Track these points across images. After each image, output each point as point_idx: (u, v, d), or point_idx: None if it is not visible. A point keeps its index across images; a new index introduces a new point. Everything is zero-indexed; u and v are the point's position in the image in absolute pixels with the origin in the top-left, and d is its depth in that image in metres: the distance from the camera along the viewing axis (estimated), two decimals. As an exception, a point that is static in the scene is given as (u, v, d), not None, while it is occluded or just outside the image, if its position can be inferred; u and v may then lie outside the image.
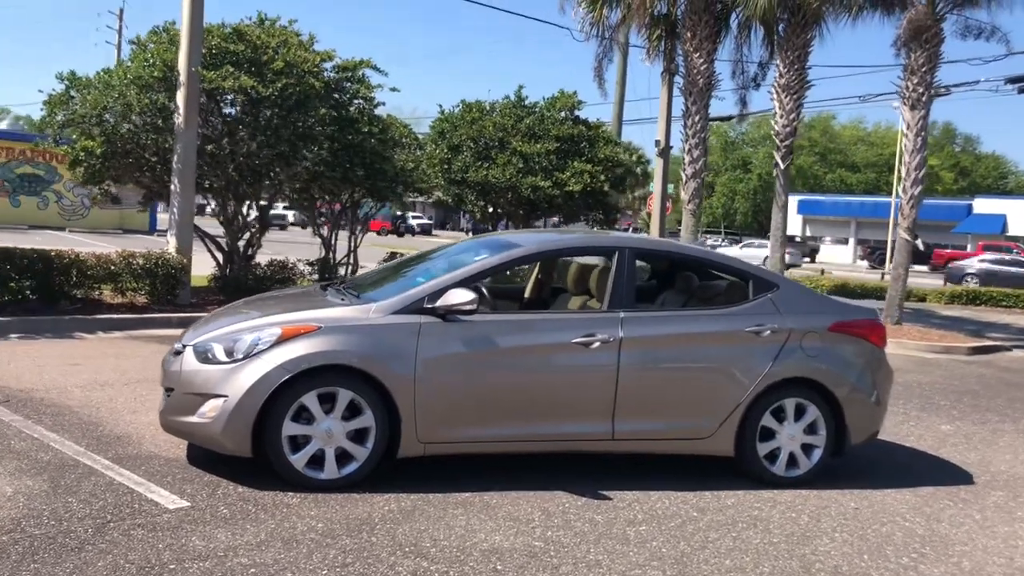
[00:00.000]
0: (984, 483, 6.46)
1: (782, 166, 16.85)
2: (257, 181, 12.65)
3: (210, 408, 5.07)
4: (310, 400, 5.10)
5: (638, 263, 6.36)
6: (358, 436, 5.22)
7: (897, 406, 8.82)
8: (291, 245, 24.96)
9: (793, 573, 4.48)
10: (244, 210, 13.25)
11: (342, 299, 5.68)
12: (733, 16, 17.83)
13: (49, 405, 6.64)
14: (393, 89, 13.70)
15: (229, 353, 5.16)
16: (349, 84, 13.30)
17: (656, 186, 20.00)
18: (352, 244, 14.35)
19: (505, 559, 4.34)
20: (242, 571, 3.96)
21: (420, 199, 17.88)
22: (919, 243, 34.07)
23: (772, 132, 17.16)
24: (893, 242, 23.73)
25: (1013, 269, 33.71)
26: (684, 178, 18.00)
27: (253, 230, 13.56)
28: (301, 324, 5.23)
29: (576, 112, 17.07)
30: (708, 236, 67.57)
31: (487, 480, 5.52)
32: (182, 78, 11.67)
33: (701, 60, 17.26)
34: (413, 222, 57.92)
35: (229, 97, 12.16)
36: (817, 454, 6.03)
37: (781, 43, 17.19)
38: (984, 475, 6.67)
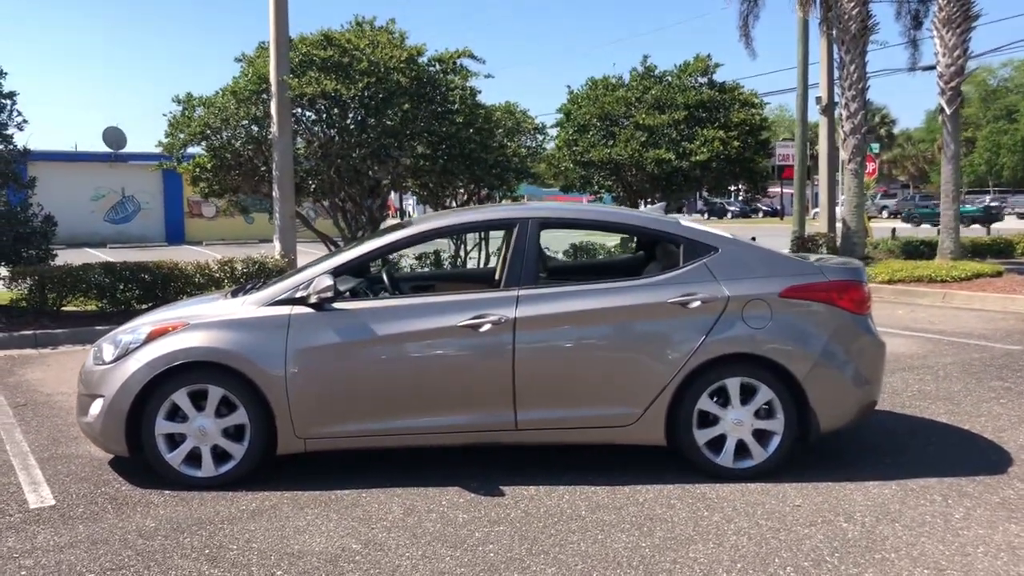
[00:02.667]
0: (1017, 474, 5.22)
1: (948, 111, 14.80)
2: (357, 181, 12.90)
3: (94, 408, 5.15)
4: (181, 398, 5.04)
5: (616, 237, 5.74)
6: (236, 433, 5.10)
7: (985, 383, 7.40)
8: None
9: (619, 585, 3.81)
10: (353, 209, 13.57)
11: (227, 294, 5.58)
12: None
13: (56, 409, 7.09)
14: (488, 76, 13.48)
15: (111, 353, 5.21)
16: (444, 76, 13.24)
17: (821, 147, 18.26)
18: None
19: (299, 564, 4.03)
20: (14, 573, 3.95)
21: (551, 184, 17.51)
22: None
23: (936, 73, 15.11)
24: None
25: None
26: (843, 135, 16.34)
27: (368, 229, 13.87)
28: (169, 322, 5.19)
29: (711, 76, 15.96)
30: (974, 195, 60.63)
31: (385, 476, 5.20)
32: (273, 88, 12.15)
33: (851, 2, 15.56)
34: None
35: (321, 103, 12.48)
36: (775, 442, 5.15)
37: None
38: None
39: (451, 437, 5.16)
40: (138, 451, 5.11)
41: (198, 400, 5.06)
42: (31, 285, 10.83)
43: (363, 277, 5.99)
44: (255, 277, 11.68)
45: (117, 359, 5.13)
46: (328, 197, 13.44)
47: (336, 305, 5.09)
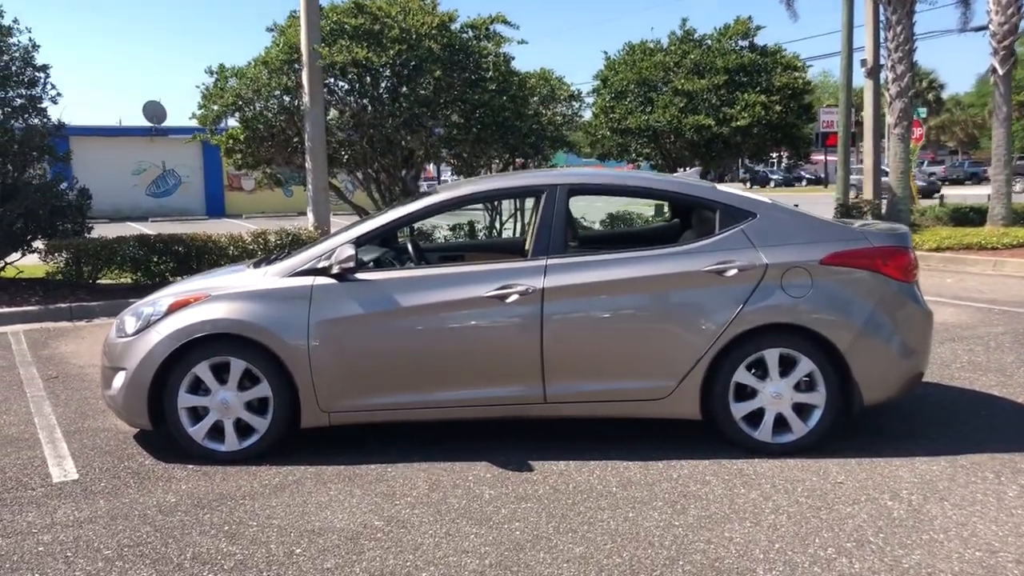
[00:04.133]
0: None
1: (1000, 71, 14.24)
2: (389, 151, 12.75)
3: (117, 381, 5.08)
4: (203, 371, 4.94)
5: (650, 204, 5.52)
6: (259, 406, 5.00)
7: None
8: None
9: (650, 565, 3.64)
10: (387, 180, 13.42)
11: (250, 265, 5.46)
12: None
13: (87, 382, 7.07)
14: (521, 42, 13.20)
15: (132, 325, 5.13)
16: (477, 42, 13.00)
17: (866, 111, 17.72)
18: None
19: (319, 541, 3.91)
20: (32, 549, 3.89)
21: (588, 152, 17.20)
22: None
23: (988, 32, 14.52)
24: None
25: None
26: (889, 99, 15.82)
27: (399, 198, 13.71)
28: (191, 294, 5.08)
29: (752, 39, 15.51)
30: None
31: (412, 450, 5.08)
32: (304, 57, 12.00)
33: (899, -40, 14.99)
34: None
35: (352, 71, 12.31)
36: (816, 415, 4.93)
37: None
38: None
39: (478, 410, 5.01)
40: (161, 424, 5.04)
41: (220, 373, 4.96)
42: (67, 258, 10.86)
43: (388, 247, 5.85)
44: (287, 248, 11.60)
45: (139, 331, 5.04)
46: (361, 168, 13.32)
47: (359, 276, 4.94)
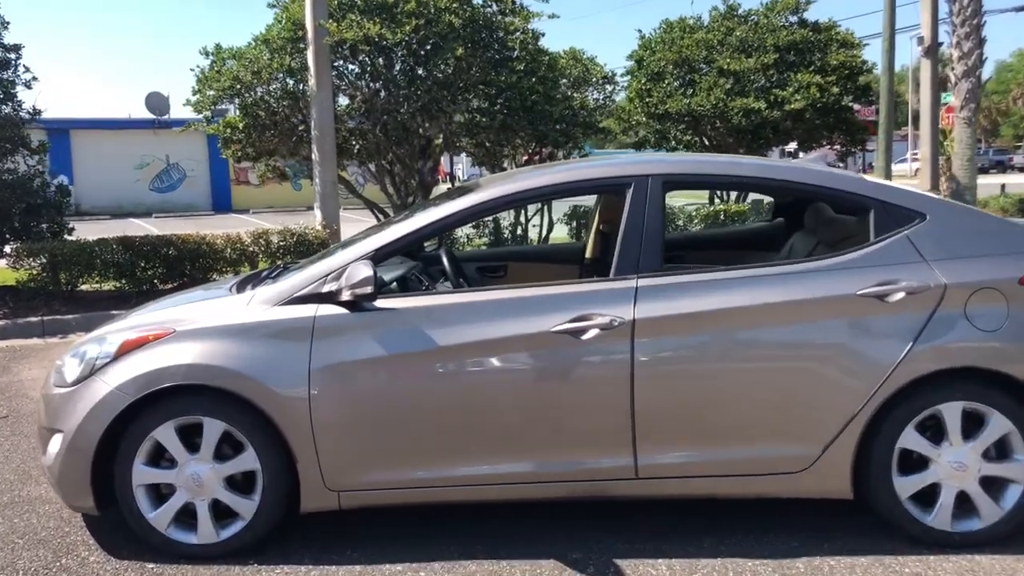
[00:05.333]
0: None
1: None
2: (405, 140, 11.38)
3: (52, 446, 3.74)
4: (166, 435, 3.60)
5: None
6: (244, 483, 3.66)
7: None
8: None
9: None
10: (402, 172, 12.05)
11: (232, 287, 4.09)
12: None
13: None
14: (552, 16, 11.81)
15: (74, 371, 3.78)
16: (502, 17, 11.60)
17: (924, 95, 16.27)
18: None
19: None
20: None
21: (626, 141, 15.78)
22: None
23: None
24: None
25: None
26: (954, 79, 14.37)
27: (419, 194, 12.37)
28: (150, 329, 3.72)
29: (802, 14, 14.06)
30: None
31: (453, 540, 3.72)
32: (309, 35, 10.62)
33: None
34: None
35: (364, 51, 10.94)
36: (1015, 494, 3.55)
37: None
38: None
39: (543, 489, 3.64)
40: (111, 506, 3.70)
41: (191, 438, 3.62)
42: (41, 264, 9.53)
43: (414, 258, 4.50)
44: (293, 251, 10.28)
45: (81, 380, 3.69)
46: (374, 159, 11.95)
47: (379, 303, 3.58)
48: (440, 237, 4.98)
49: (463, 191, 4.02)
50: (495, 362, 3.56)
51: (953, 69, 14.31)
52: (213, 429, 3.58)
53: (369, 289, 3.46)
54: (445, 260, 4.20)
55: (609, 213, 5.05)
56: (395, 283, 3.96)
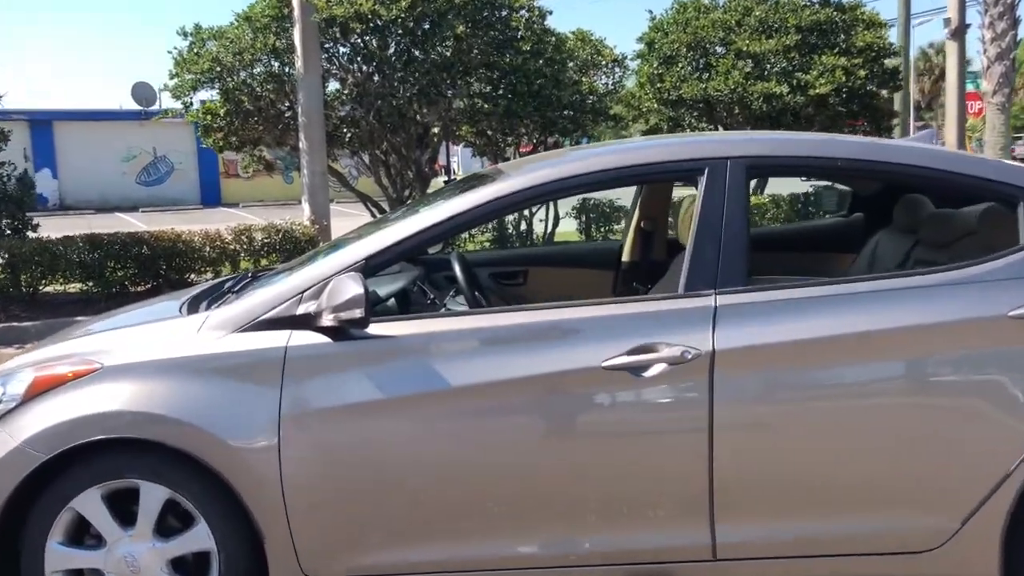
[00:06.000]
0: None
1: None
2: (401, 128, 10.47)
3: None
4: (90, 504, 2.71)
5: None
6: (196, 568, 2.77)
7: None
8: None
9: None
10: (398, 163, 11.15)
11: (183, 304, 3.18)
12: None
13: None
14: (561, -9, 10.95)
15: (-31, 418, 2.88)
16: (506, -7, 10.70)
17: (950, 78, 15.39)
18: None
19: None
20: None
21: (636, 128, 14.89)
22: None
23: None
24: None
25: None
26: (986, 62, 13.51)
27: (416, 187, 11.46)
28: (69, 363, 2.81)
29: (825, -8, 13.16)
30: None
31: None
32: (296, 12, 9.72)
33: None
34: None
35: (356, 30, 10.03)
36: None
37: None
38: None
39: (592, 574, 2.76)
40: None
41: (124, 507, 2.73)
42: (0, 264, 8.61)
43: (414, 265, 3.60)
44: (279, 249, 9.37)
45: (-23, 430, 2.80)
46: (367, 149, 11.04)
47: (372, 328, 2.68)
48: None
49: (481, 180, 3.12)
50: (527, 408, 2.68)
51: (985, 52, 13.44)
52: (153, 496, 2.69)
53: (358, 313, 2.57)
54: (457, 268, 3.27)
55: (653, 206, 4.17)
56: (393, 299, 3.08)
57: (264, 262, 9.35)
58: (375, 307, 3.01)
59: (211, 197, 32.42)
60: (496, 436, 2.67)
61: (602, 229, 10.81)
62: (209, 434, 2.63)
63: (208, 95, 11.17)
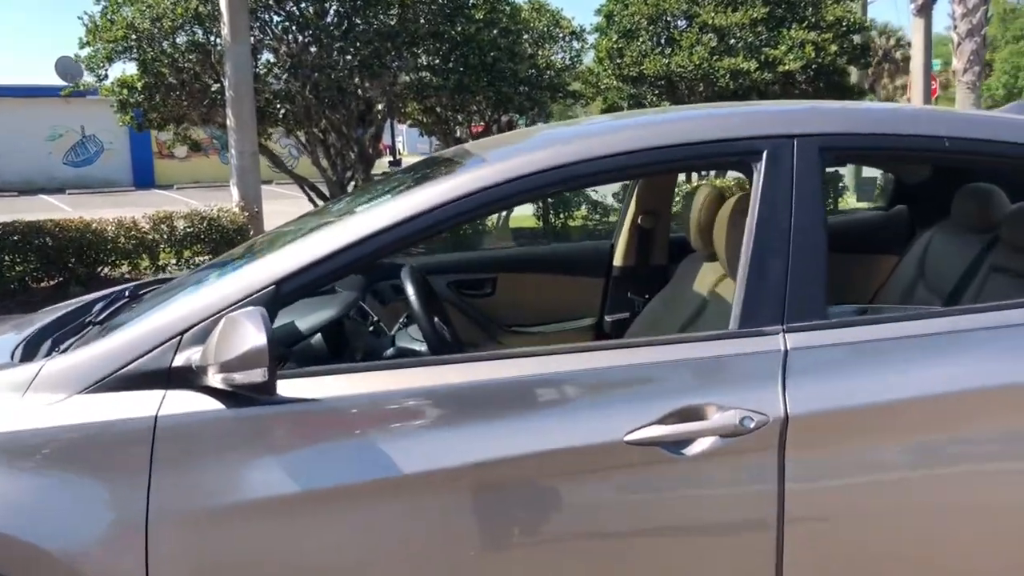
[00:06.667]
0: None
1: None
2: (341, 104, 9.51)
3: None
4: None
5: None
6: None
7: None
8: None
9: None
10: (338, 143, 10.19)
11: (13, 352, 2.24)
12: None
13: None
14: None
15: None
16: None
17: (915, 58, 14.86)
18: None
19: None
20: None
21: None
22: None
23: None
24: None
25: None
26: (956, 40, 12.95)
27: (359, 169, 10.51)
28: None
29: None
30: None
31: None
32: (221, -27, 8.69)
33: None
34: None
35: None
36: None
37: None
38: None
39: None
40: None
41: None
42: None
43: (366, 281, 2.70)
44: (204, 239, 8.37)
45: None
46: (304, 126, 10.05)
47: (285, 388, 1.79)
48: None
49: (447, 165, 2.24)
50: (515, 506, 1.83)
51: (955, 28, 12.90)
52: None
53: (258, 375, 1.68)
54: (410, 290, 2.37)
55: (653, 197, 3.33)
56: (321, 337, 2.20)
57: (187, 254, 8.37)
58: (294, 348, 2.14)
59: (144, 179, 30.92)
60: (468, 542, 1.82)
61: (561, 215, 9.97)
62: (38, 548, 1.74)
63: (127, 68, 10.10)
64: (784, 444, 1.79)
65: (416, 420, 1.84)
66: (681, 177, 8.97)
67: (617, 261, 3.38)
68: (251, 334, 1.68)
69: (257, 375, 1.67)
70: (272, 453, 1.80)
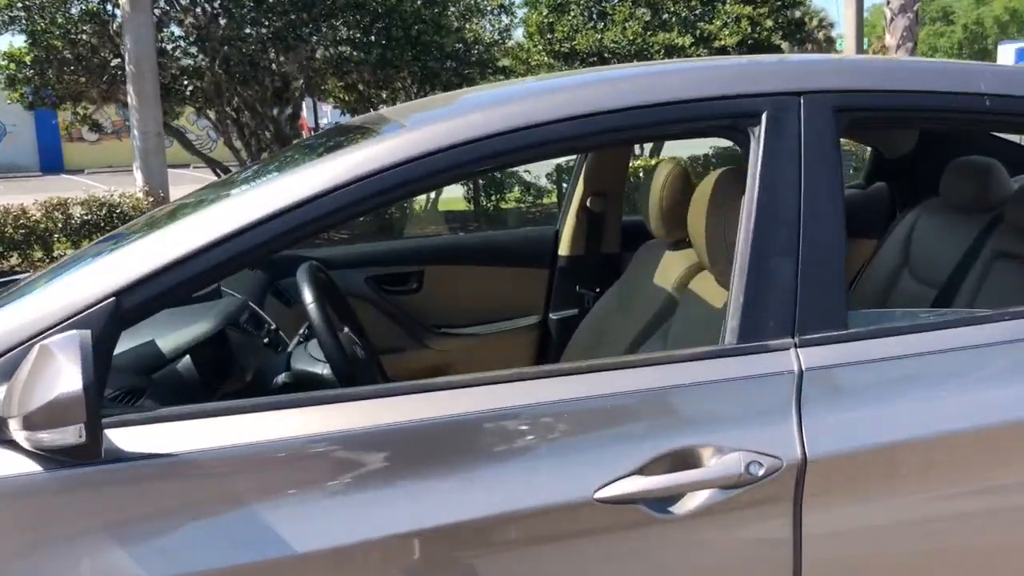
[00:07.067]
0: None
1: None
2: (254, 80, 8.85)
3: None
4: None
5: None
6: None
7: None
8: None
9: None
10: (252, 122, 9.53)
11: None
12: None
13: None
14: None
15: None
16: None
17: (847, 35, 14.71)
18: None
19: None
20: None
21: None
22: None
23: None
24: None
25: None
26: (889, 14, 12.81)
27: (275, 150, 9.86)
28: None
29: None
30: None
31: None
32: (116, -66, 7.97)
33: None
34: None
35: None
36: None
37: None
38: None
39: None
40: None
41: None
42: None
43: (266, 278, 2.19)
44: (103, 228, 7.67)
45: None
46: (214, 105, 9.37)
47: (124, 439, 1.28)
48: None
49: (359, 134, 1.73)
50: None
51: (888, 3, 12.75)
52: None
53: (71, 436, 1.17)
54: (307, 292, 1.84)
55: (604, 176, 2.87)
56: (190, 360, 1.70)
57: (86, 244, 7.65)
58: (155, 376, 1.63)
59: (52, 163, 29.46)
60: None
61: (493, 198, 9.50)
62: None
63: (15, 40, 9.26)
64: (801, 495, 1.36)
65: (309, 479, 1.34)
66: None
67: (563, 250, 2.92)
68: (63, 375, 1.16)
69: (70, 434, 1.16)
70: (108, 533, 1.28)
